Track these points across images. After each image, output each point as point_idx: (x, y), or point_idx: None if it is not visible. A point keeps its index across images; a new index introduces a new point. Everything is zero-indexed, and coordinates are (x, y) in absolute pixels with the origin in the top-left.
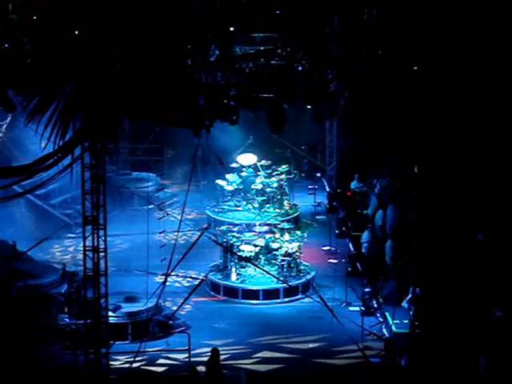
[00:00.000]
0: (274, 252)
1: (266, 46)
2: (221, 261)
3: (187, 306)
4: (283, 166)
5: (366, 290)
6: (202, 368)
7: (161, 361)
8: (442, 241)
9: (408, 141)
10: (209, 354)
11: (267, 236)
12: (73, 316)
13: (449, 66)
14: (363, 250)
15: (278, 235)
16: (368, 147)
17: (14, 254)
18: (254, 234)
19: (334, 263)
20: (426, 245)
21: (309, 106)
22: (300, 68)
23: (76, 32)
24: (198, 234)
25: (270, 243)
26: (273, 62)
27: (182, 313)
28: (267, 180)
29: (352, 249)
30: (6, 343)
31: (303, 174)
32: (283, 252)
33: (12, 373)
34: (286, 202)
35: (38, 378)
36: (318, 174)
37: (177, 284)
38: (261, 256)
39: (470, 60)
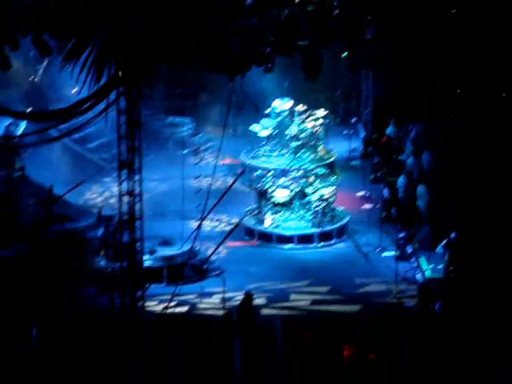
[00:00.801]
0: (308, 198)
1: None
2: (255, 206)
3: (222, 251)
4: (318, 111)
5: (401, 235)
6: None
7: (195, 304)
8: (477, 185)
9: (443, 86)
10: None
11: (301, 181)
12: (109, 259)
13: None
14: (399, 195)
15: (312, 179)
16: (404, 92)
17: (50, 197)
18: (288, 179)
19: (368, 209)
20: (461, 190)
21: (344, 54)
22: (336, 12)
23: None
24: (233, 179)
25: (305, 188)
26: (308, 8)
27: (217, 257)
28: (302, 125)
29: (387, 194)
30: (44, 286)
31: (338, 119)
32: (318, 197)
33: (50, 315)
34: (320, 148)
35: (75, 320)
36: (354, 120)
37: (211, 229)
38: (295, 201)
39: None
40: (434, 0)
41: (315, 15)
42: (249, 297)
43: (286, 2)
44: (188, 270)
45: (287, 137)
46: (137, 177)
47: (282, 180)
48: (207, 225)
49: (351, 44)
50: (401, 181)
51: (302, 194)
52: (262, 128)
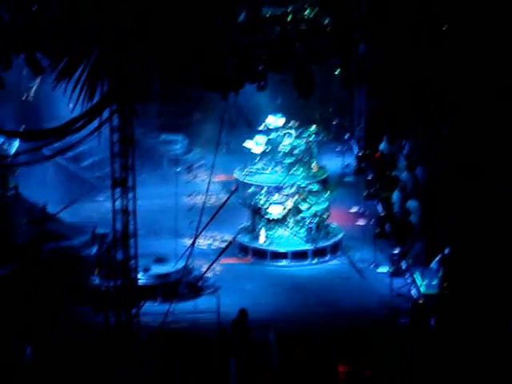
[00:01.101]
0: (302, 214)
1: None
2: (249, 223)
3: (216, 268)
4: (311, 128)
5: (395, 251)
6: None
7: (190, 322)
8: (471, 201)
9: (437, 101)
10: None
11: (295, 198)
12: (103, 277)
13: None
14: (393, 211)
15: (305, 196)
16: (396, 108)
17: (44, 216)
18: (282, 196)
19: (362, 225)
20: (455, 205)
21: (337, 72)
22: (328, 29)
23: None
24: (226, 196)
25: (299, 204)
26: (301, 26)
27: (211, 275)
28: (295, 142)
29: (380, 210)
30: (39, 305)
31: (331, 136)
32: (311, 214)
33: (44, 333)
34: (314, 164)
35: (70, 338)
36: (347, 136)
37: (205, 246)
38: (289, 218)
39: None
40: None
41: (307, 33)
42: (243, 313)
43: (278, 20)
44: (182, 287)
45: (280, 153)
46: (130, 195)
47: (275, 197)
48: (201, 242)
49: (343, 61)
50: (395, 196)
51: (295, 211)
52: (256, 144)
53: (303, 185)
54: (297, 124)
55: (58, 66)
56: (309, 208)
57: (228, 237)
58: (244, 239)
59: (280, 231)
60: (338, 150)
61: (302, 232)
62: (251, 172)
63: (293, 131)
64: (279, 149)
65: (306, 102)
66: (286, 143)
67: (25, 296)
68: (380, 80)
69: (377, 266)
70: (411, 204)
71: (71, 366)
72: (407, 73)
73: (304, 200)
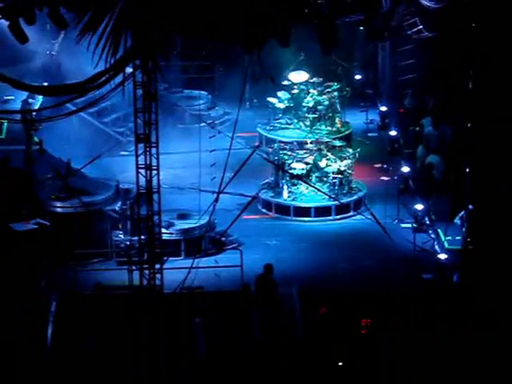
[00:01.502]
0: (325, 170)
1: None
2: (272, 179)
3: (240, 224)
4: (335, 84)
5: (418, 207)
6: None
7: (213, 277)
8: (496, 157)
9: (461, 56)
10: (260, 270)
11: (318, 153)
12: (127, 232)
13: None
14: (417, 167)
15: (329, 151)
16: (421, 63)
17: (68, 171)
18: (305, 151)
19: (386, 181)
20: (479, 161)
21: (361, 28)
22: None
23: None
24: (250, 152)
25: (318, 161)
26: None
27: (234, 230)
28: (319, 97)
29: (404, 166)
30: (63, 259)
31: (355, 91)
32: (335, 169)
33: (67, 287)
34: (337, 120)
35: (93, 293)
36: (371, 91)
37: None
38: (312, 174)
39: None
40: None
41: None
42: (269, 268)
43: None
44: (206, 242)
45: (304, 109)
46: (154, 150)
47: (298, 152)
48: (224, 198)
49: (368, 16)
50: (419, 152)
51: (319, 167)
52: (279, 100)
53: (327, 140)
54: (320, 80)
55: (81, 20)
56: (332, 164)
57: (251, 193)
58: (267, 195)
59: (303, 187)
60: (361, 105)
61: (326, 188)
62: (274, 127)
63: (316, 87)
64: (303, 104)
65: (330, 57)
66: (309, 99)
67: (50, 251)
68: (405, 35)
69: (400, 221)
70: (432, 159)
71: (93, 321)
72: (433, 28)
73: (327, 156)
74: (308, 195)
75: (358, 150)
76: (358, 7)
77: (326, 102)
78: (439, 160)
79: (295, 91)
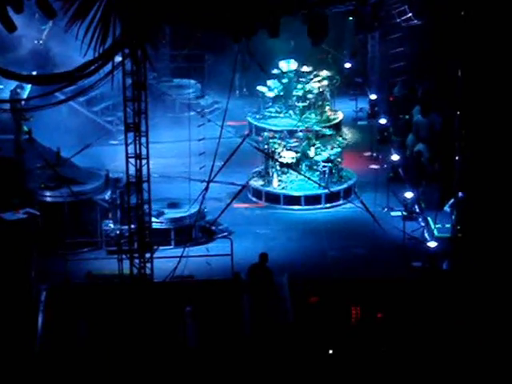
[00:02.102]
0: (315, 158)
1: None
2: (262, 167)
3: (230, 212)
4: (324, 72)
5: (408, 194)
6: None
7: (204, 266)
8: (485, 145)
9: (451, 45)
10: (251, 259)
11: (308, 142)
12: (117, 222)
13: None
14: (407, 155)
15: (318, 140)
16: (411, 52)
17: (58, 160)
18: (295, 140)
19: (375, 169)
20: (469, 149)
21: (351, 18)
22: None
23: None
24: (239, 140)
25: (307, 150)
26: None
27: (225, 219)
28: (308, 86)
29: (394, 154)
30: (52, 248)
31: (345, 80)
32: (324, 158)
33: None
34: (327, 108)
35: (83, 281)
36: (360, 80)
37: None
38: (302, 162)
39: None
40: None
41: None
42: (264, 257)
43: None
44: (196, 231)
45: (294, 98)
46: (143, 139)
47: (288, 141)
48: (214, 186)
49: (357, 6)
50: (409, 140)
51: (308, 155)
52: (269, 89)
53: (316, 129)
54: (310, 68)
55: (69, 8)
56: (321, 152)
57: (241, 181)
58: (257, 183)
59: (293, 175)
60: (351, 93)
61: (315, 176)
62: (264, 116)
63: (306, 76)
64: (292, 93)
65: (320, 46)
66: (299, 87)
67: (39, 240)
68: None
69: (390, 209)
70: (421, 147)
71: (84, 310)
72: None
73: (317, 144)
74: (297, 184)
75: (348, 137)
76: None
77: (316, 91)
78: (426, 148)
79: (285, 80)
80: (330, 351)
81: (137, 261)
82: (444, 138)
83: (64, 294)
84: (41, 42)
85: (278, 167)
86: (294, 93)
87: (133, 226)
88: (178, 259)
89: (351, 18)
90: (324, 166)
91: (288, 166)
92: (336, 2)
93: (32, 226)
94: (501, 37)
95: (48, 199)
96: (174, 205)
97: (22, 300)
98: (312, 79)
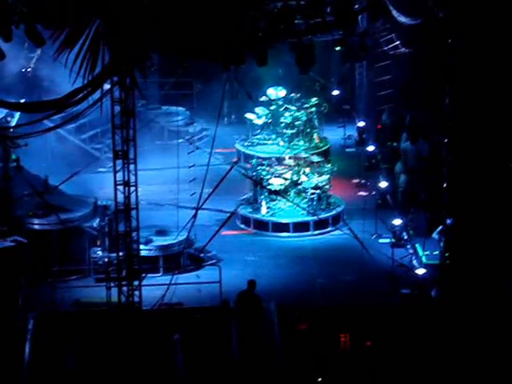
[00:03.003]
0: (303, 185)
1: None
2: (251, 194)
3: (218, 240)
4: (313, 99)
5: (397, 221)
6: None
7: (192, 293)
8: (473, 172)
9: (439, 72)
10: (240, 286)
11: (296, 169)
12: (105, 249)
13: None
14: (395, 182)
15: (306, 167)
16: (398, 79)
17: (46, 188)
18: (283, 167)
19: (363, 196)
20: (457, 176)
21: (338, 48)
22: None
23: None
24: (228, 168)
25: (300, 176)
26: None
27: (213, 246)
28: (296, 113)
29: (382, 181)
30: (40, 276)
31: (333, 107)
32: (313, 185)
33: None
34: (315, 135)
35: (71, 310)
36: (348, 107)
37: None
38: (290, 189)
39: None
40: None
41: (308, 8)
42: (252, 284)
43: None
44: (184, 259)
45: (282, 125)
46: (132, 167)
47: (277, 168)
48: (203, 214)
49: (345, 34)
50: (398, 167)
51: (296, 182)
52: (257, 116)
53: (305, 156)
54: (298, 95)
55: (58, 37)
56: (310, 179)
57: (230, 208)
58: (246, 210)
59: (281, 202)
60: (339, 121)
61: (304, 203)
62: (253, 143)
63: (294, 103)
64: (280, 120)
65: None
66: (287, 115)
67: (27, 268)
68: (381, 54)
69: (378, 236)
70: (403, 178)
71: (73, 338)
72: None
73: (305, 171)
74: (286, 211)
75: (336, 165)
76: (334, 26)
77: (304, 118)
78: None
79: (273, 107)
80: (319, 379)
81: (125, 288)
82: (431, 164)
83: (51, 322)
84: (29, 69)
85: (267, 194)
86: (282, 120)
87: (121, 254)
88: (166, 287)
89: (338, 48)
90: (312, 193)
91: (276, 193)
92: (323, 31)
93: (19, 254)
94: (488, 64)
95: (36, 227)
96: (162, 232)
97: (9, 328)
98: (300, 106)
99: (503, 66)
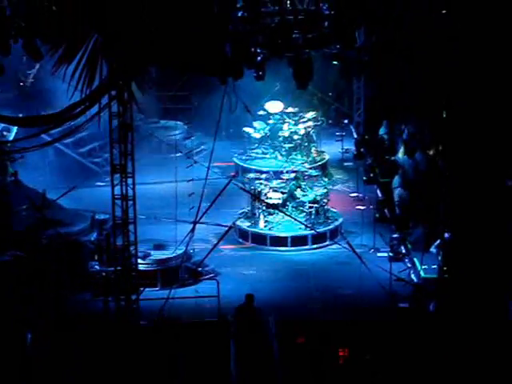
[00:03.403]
0: (301, 199)
1: None
2: (249, 208)
3: (216, 254)
4: (310, 113)
5: (394, 235)
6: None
7: (190, 308)
8: (470, 186)
9: (437, 86)
10: (238, 300)
11: (294, 183)
12: (103, 263)
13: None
14: (393, 196)
15: (305, 181)
16: (396, 93)
17: (43, 202)
18: (281, 181)
19: (361, 209)
20: (454, 190)
21: (335, 62)
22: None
23: None
24: (226, 181)
25: (294, 190)
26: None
27: (211, 260)
28: (294, 127)
29: (380, 195)
30: (39, 292)
31: (330, 121)
32: (311, 199)
33: (44, 320)
34: (313, 149)
35: (70, 324)
36: (346, 121)
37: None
38: (288, 203)
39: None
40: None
41: (306, 22)
42: (250, 298)
43: (278, 12)
44: (182, 273)
45: (280, 139)
46: (130, 181)
47: (275, 182)
48: (201, 228)
49: (342, 48)
50: (395, 181)
51: (295, 196)
52: (255, 130)
53: (303, 170)
54: (296, 109)
55: (56, 51)
56: (308, 193)
57: (228, 222)
58: (244, 224)
59: (279, 216)
60: (337, 135)
61: (302, 217)
62: (251, 157)
63: (292, 117)
64: (279, 134)
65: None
66: (285, 128)
67: (25, 283)
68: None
69: (376, 250)
70: (399, 191)
71: (71, 352)
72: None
73: (303, 185)
74: (284, 225)
75: (334, 179)
76: (331, 41)
77: (302, 132)
78: (400, 194)
79: (271, 121)
80: None
81: (123, 303)
82: (429, 178)
83: (50, 336)
84: (27, 84)
85: (265, 208)
86: (280, 134)
87: (119, 268)
88: (164, 301)
89: (335, 63)
90: (310, 207)
91: (274, 206)
92: (321, 45)
93: (17, 268)
94: (486, 78)
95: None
96: (160, 246)
97: (7, 342)
98: (298, 120)
99: (500, 81)
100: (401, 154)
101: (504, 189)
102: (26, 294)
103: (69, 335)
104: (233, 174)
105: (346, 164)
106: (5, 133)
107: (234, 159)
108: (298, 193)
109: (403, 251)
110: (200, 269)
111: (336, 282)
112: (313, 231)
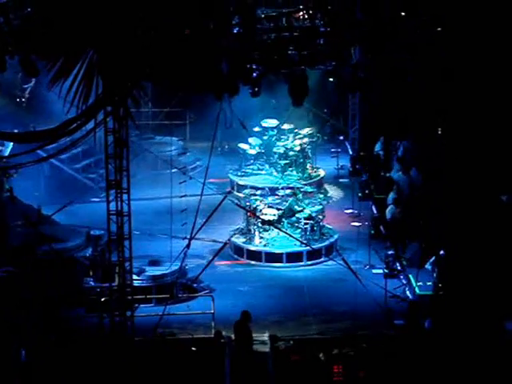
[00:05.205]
0: (297, 216)
1: (289, 9)
2: (244, 224)
3: (211, 270)
4: (306, 129)
5: (390, 252)
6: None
7: (185, 324)
8: (466, 203)
9: (432, 103)
10: (233, 317)
11: (290, 199)
12: (98, 279)
13: (473, 27)
14: (388, 212)
15: (300, 197)
16: (391, 110)
17: (39, 218)
18: (276, 197)
19: (357, 226)
20: (449, 207)
21: (331, 79)
22: (322, 29)
23: None
24: (221, 197)
25: (294, 206)
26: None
27: (206, 276)
28: (290, 143)
29: (375, 211)
30: (33, 307)
31: (326, 137)
32: (306, 215)
33: (39, 335)
34: (308, 166)
35: (64, 341)
36: (341, 137)
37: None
38: (283, 219)
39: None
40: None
41: (302, 39)
42: (246, 315)
43: (273, 29)
44: (177, 289)
45: (275, 155)
46: (125, 196)
47: (270, 198)
48: (196, 244)
49: (337, 65)
50: (391, 197)
51: (290, 212)
52: (250, 147)
53: (298, 186)
54: (291, 126)
55: (52, 67)
56: (303, 210)
57: (223, 238)
58: (239, 240)
59: (275, 232)
60: (332, 151)
61: (297, 234)
62: (246, 173)
63: (287, 134)
64: (274, 150)
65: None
66: (280, 145)
67: (20, 299)
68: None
69: (371, 267)
70: (391, 208)
71: (66, 369)
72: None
73: (298, 202)
74: (279, 241)
75: (329, 195)
76: (327, 57)
77: (297, 148)
78: (391, 211)
79: (266, 137)
80: None
81: (117, 319)
82: (424, 194)
83: (44, 353)
84: (23, 99)
85: (260, 224)
86: (275, 150)
87: (114, 284)
88: (159, 317)
89: (331, 79)
90: (305, 223)
91: (269, 223)
92: (316, 62)
93: (11, 284)
94: (482, 95)
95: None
96: (155, 262)
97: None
98: (293, 137)
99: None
100: (395, 171)
101: (498, 205)
102: (20, 311)
103: (63, 351)
104: (228, 190)
105: (341, 180)
106: (0, 148)
107: (229, 175)
108: (298, 208)
109: (398, 268)
110: (195, 285)
111: (331, 298)
112: (308, 247)
